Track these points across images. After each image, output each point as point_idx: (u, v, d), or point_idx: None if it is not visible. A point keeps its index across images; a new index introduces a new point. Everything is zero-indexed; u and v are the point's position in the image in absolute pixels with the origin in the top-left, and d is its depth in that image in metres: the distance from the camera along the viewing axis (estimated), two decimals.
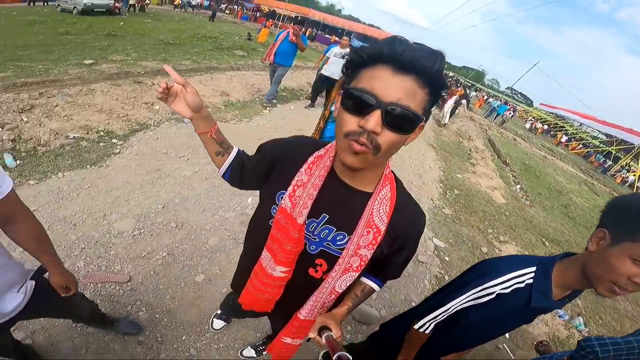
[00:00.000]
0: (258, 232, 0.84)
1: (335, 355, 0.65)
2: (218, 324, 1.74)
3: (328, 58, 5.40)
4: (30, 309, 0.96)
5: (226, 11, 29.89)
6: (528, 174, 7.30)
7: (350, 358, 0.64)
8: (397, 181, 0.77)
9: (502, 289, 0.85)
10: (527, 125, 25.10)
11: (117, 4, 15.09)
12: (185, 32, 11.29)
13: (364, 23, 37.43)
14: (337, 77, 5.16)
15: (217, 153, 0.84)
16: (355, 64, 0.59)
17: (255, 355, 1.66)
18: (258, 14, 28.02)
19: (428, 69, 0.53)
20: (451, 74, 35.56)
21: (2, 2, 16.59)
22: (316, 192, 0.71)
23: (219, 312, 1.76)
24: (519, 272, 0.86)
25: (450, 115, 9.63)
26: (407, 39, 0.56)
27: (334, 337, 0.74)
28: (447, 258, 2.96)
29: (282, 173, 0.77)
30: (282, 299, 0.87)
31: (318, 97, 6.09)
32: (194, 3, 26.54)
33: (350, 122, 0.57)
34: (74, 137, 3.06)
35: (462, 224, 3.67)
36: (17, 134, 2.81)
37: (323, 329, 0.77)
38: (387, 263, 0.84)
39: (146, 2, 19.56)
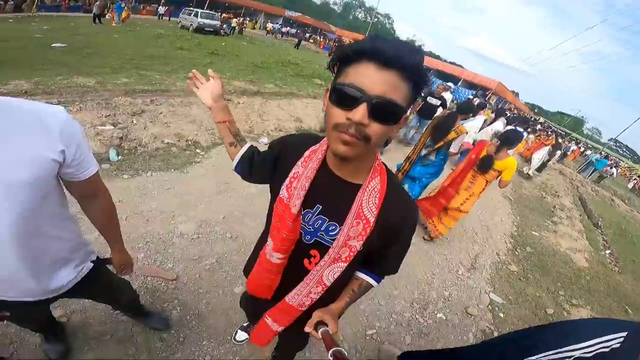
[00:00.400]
0: (268, 223, 0.90)
1: (331, 351, 0.66)
2: (241, 335, 1.76)
3: None
4: (78, 288, 1.04)
5: (310, 40, 32.38)
6: (622, 239, 6.20)
7: (346, 353, 0.65)
8: (388, 173, 0.79)
9: (583, 352, 0.81)
10: (630, 185, 21.10)
11: (223, 26, 17.60)
12: (272, 56, 12.46)
13: (445, 60, 36.39)
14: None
15: (231, 144, 0.96)
16: (341, 61, 0.63)
17: None
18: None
19: (409, 63, 0.57)
20: (542, 119, 32.14)
21: (139, 13, 20.67)
22: (308, 183, 0.76)
23: (245, 324, 1.79)
24: (607, 337, 0.81)
25: (542, 169, 8.57)
26: (386, 36, 0.60)
27: (330, 332, 0.75)
28: (501, 315, 2.69)
29: (284, 166, 0.83)
30: (281, 289, 0.92)
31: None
32: (283, 30, 29.46)
33: (338, 115, 0.60)
34: (168, 142, 3.56)
35: (529, 283, 3.30)
36: (125, 133, 3.38)
37: (319, 324, 0.78)
38: (381, 257, 0.86)
39: (244, 26, 22.42)
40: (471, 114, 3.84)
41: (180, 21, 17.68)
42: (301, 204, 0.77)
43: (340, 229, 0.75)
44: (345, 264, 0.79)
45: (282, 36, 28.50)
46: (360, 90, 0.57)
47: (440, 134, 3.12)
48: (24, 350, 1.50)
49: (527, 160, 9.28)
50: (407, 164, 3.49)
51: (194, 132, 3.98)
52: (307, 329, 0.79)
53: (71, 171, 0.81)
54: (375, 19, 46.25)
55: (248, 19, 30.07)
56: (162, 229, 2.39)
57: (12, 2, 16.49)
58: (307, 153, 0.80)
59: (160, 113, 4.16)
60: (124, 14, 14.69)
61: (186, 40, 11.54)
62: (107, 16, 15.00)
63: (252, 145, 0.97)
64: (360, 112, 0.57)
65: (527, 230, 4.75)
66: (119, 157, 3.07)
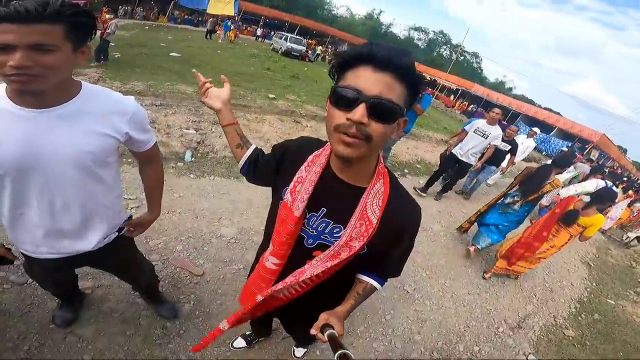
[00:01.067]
0: (269, 228, 0.93)
1: (337, 354, 0.66)
2: (239, 343, 1.77)
3: (466, 133, 4.34)
4: (101, 256, 1.16)
5: None
6: None
7: (352, 356, 0.65)
8: (391, 175, 0.82)
9: None
10: None
11: (308, 52, 19.07)
12: None
13: (539, 106, 32.76)
14: (471, 161, 4.32)
15: (238, 146, 0.99)
16: (340, 67, 0.67)
17: None
18: None
19: (402, 65, 0.61)
20: None
21: (241, 32, 23.63)
22: (312, 187, 0.79)
23: (247, 332, 1.80)
24: None
25: None
26: (381, 42, 0.64)
27: (336, 334, 0.76)
28: None
29: (287, 170, 0.86)
30: (287, 307, 0.95)
31: (440, 184, 4.86)
32: None
33: (339, 116, 0.64)
34: None
35: (584, 349, 2.90)
36: (203, 139, 3.92)
37: (326, 326, 0.78)
38: (385, 258, 0.88)
39: (327, 53, 23.98)
40: (566, 168, 3.62)
41: (272, 44, 19.75)
42: (305, 208, 0.80)
43: (344, 231, 0.78)
44: (340, 261, 0.81)
45: None
46: (358, 91, 0.61)
47: (533, 186, 3.00)
48: (37, 311, 1.67)
49: (624, 227, 7.82)
50: (485, 206, 3.39)
51: (260, 147, 4.40)
52: (313, 331, 0.79)
53: (137, 145, 1.07)
54: (461, 57, 44.80)
55: (331, 47, 32.00)
56: (206, 227, 2.65)
57: (142, 13, 20.55)
58: (310, 157, 0.83)
59: None
60: (231, 34, 16.97)
61: (274, 62, 12.79)
62: (217, 33, 17.53)
63: (257, 147, 1.01)
64: (359, 112, 0.60)
65: (602, 297, 4.11)
66: (193, 158, 3.57)
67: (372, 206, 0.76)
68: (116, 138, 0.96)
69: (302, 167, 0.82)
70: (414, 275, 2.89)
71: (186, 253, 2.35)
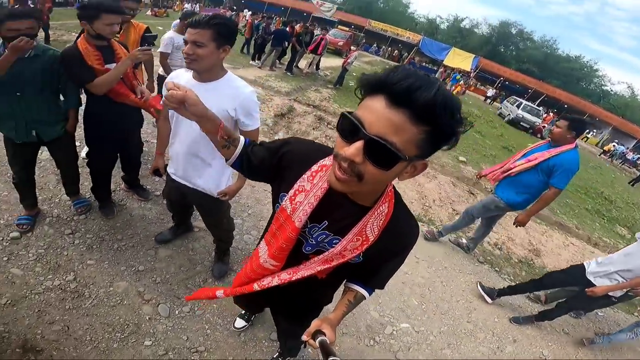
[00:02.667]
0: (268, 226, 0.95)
1: None
2: (239, 323, 1.84)
3: None
4: (198, 198, 1.63)
5: None
6: None
7: None
8: (397, 196, 0.80)
9: None
10: None
11: (543, 126, 15.56)
12: (582, 180, 9.49)
13: None
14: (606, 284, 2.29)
15: (224, 147, 0.86)
16: (362, 91, 0.58)
17: None
18: None
19: (421, 102, 0.49)
20: None
21: (471, 89, 22.70)
22: (317, 202, 0.76)
23: (243, 312, 1.83)
24: None
25: None
26: (415, 70, 0.52)
27: (328, 341, 0.77)
28: None
29: (289, 175, 0.82)
30: (277, 293, 0.94)
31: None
32: (629, 158, 20.95)
33: (339, 145, 0.59)
34: None
35: None
36: None
37: (317, 333, 0.79)
38: (377, 270, 0.90)
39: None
40: None
41: (501, 107, 17.67)
42: (307, 219, 0.78)
43: (340, 242, 0.78)
44: (329, 266, 0.81)
45: (622, 163, 20.46)
46: (361, 124, 0.54)
47: None
48: (158, 225, 2.16)
49: None
50: None
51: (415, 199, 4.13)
52: (304, 337, 0.81)
53: (241, 123, 1.42)
54: None
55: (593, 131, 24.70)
56: (264, 210, 2.87)
57: (378, 49, 23.35)
58: (315, 167, 0.79)
59: None
60: (457, 88, 16.91)
61: (491, 128, 11.53)
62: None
63: (246, 144, 0.88)
64: (352, 149, 0.55)
65: None
66: None
67: (372, 225, 0.75)
68: (228, 112, 1.36)
69: (305, 176, 0.79)
70: None
71: (251, 217, 2.68)
